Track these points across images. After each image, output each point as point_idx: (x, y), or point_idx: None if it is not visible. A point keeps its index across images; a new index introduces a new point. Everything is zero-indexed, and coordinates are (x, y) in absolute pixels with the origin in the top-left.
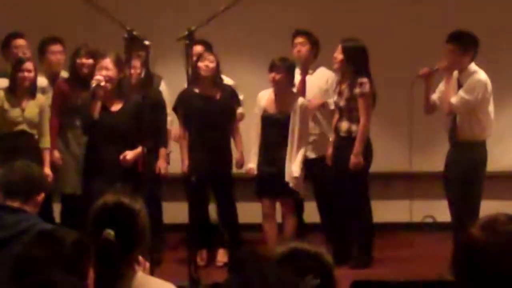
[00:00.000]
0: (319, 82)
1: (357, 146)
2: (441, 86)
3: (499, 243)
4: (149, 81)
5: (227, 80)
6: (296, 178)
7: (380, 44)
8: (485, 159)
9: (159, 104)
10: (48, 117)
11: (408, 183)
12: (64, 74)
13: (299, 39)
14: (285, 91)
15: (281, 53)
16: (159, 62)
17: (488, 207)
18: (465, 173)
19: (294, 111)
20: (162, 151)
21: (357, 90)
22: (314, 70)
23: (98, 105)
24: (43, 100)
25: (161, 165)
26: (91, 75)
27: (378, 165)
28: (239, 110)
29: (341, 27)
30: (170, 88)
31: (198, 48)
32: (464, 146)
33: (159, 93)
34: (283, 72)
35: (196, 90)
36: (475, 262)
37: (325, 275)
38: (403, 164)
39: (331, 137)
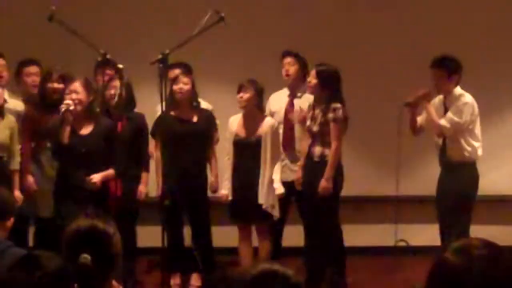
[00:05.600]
0: (307, 106)
1: (328, 171)
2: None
3: (473, 267)
4: (130, 103)
5: (204, 104)
6: (272, 199)
7: (367, 69)
8: (476, 179)
9: (141, 128)
10: (17, 139)
11: (382, 207)
12: None
13: (288, 59)
14: (254, 113)
15: (260, 77)
16: (135, 86)
17: (477, 232)
18: (457, 193)
19: (265, 132)
20: (144, 176)
21: (330, 115)
22: (303, 93)
23: (68, 130)
24: (13, 121)
25: (142, 190)
26: (60, 99)
27: (351, 189)
28: (228, 136)
29: (326, 51)
30: (144, 112)
31: (176, 71)
32: (455, 167)
33: (142, 116)
34: (250, 92)
35: (173, 114)
36: (448, 285)
37: None
38: (378, 188)
39: (300, 162)
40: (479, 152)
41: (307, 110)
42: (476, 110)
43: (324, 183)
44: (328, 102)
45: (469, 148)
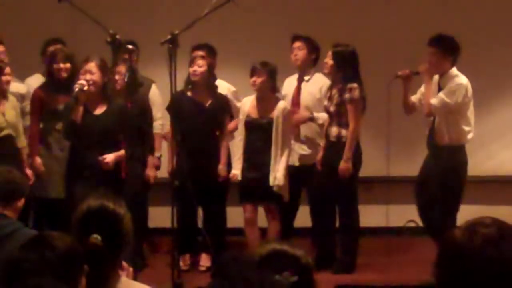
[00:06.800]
0: (313, 90)
1: (347, 152)
2: (423, 88)
3: (476, 244)
4: (134, 87)
5: (226, 86)
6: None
7: (358, 47)
8: (464, 163)
9: (145, 111)
10: (20, 118)
11: (387, 188)
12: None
13: (297, 44)
14: (267, 95)
15: (284, 61)
16: (150, 66)
17: (470, 212)
18: (443, 177)
19: (277, 115)
20: (150, 159)
21: (346, 96)
22: (311, 76)
23: (81, 110)
24: (15, 100)
25: (149, 173)
26: (70, 78)
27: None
28: (241, 116)
29: (320, 30)
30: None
31: (199, 53)
32: (442, 150)
33: (145, 99)
34: (263, 76)
35: (189, 94)
36: (455, 263)
37: (303, 274)
38: (381, 169)
39: (322, 142)
40: (469, 136)
41: (307, 112)
42: (470, 92)
43: (343, 164)
44: (345, 82)
45: (458, 131)
